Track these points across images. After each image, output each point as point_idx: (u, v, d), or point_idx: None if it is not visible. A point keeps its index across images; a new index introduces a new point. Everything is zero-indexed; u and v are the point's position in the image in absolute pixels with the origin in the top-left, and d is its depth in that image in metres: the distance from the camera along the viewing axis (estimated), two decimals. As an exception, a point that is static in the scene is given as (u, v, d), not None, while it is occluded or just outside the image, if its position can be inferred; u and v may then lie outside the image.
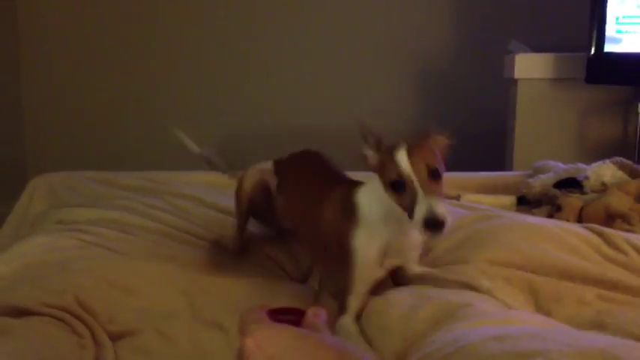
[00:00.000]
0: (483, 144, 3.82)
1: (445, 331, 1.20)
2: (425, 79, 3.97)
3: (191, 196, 2.10)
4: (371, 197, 1.39)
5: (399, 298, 1.33)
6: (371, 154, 1.36)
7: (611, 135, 3.24)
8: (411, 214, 1.19)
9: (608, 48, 2.99)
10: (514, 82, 3.30)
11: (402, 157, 1.23)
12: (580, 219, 1.92)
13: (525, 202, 2.17)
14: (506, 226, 1.68)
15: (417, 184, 1.20)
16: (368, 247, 1.36)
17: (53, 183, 2.20)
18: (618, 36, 3.00)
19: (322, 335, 0.69)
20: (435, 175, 1.24)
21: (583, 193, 2.04)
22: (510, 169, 3.21)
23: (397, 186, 1.23)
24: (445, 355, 1.01)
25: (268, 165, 1.71)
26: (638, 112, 3.08)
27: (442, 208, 1.17)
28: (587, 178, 2.07)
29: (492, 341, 0.99)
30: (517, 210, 2.11)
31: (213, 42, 4.01)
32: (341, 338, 1.23)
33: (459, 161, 3.39)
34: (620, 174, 2.04)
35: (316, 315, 0.74)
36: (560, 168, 2.21)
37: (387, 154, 1.28)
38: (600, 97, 3.24)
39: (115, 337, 1.19)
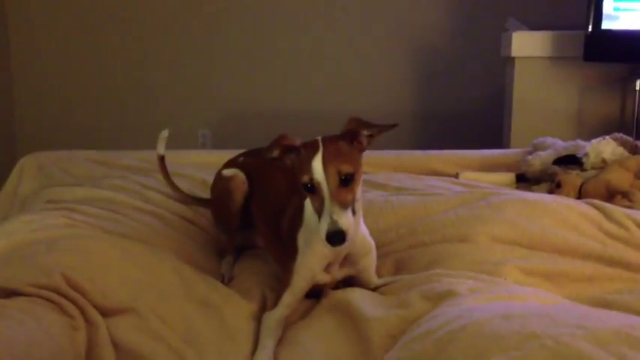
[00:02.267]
0: (480, 123, 3.80)
1: (447, 305, 1.17)
2: (421, 58, 3.94)
3: (184, 175, 2.06)
4: None
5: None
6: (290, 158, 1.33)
7: (609, 112, 3.21)
8: (320, 219, 1.23)
9: (606, 25, 2.96)
10: (511, 60, 3.26)
11: (316, 163, 1.24)
12: (580, 196, 1.90)
13: (524, 180, 2.14)
14: (505, 202, 1.65)
15: (326, 192, 1.22)
16: (310, 248, 1.37)
17: (43, 162, 2.16)
18: (616, 13, 2.97)
19: None
20: (347, 182, 1.24)
21: (583, 169, 2.02)
22: (508, 147, 3.18)
23: (309, 189, 1.25)
24: (449, 332, 0.97)
25: (238, 172, 1.69)
26: (636, 90, 3.05)
27: (345, 219, 1.20)
28: (586, 154, 2.04)
29: (500, 320, 0.95)
30: (516, 187, 2.09)
31: (211, 22, 3.97)
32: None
33: (456, 139, 3.41)
34: (621, 150, 2.01)
35: None
36: (560, 145, 2.18)
37: (304, 157, 1.28)
38: (598, 75, 3.20)
39: (108, 314, 1.16)
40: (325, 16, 3.95)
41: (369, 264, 1.45)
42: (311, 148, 1.26)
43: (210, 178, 1.83)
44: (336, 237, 1.18)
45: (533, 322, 0.93)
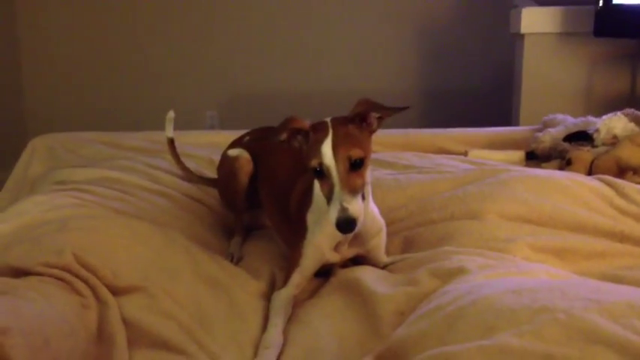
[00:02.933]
0: (489, 100, 3.77)
1: (457, 282, 1.16)
2: (428, 36, 3.91)
3: (193, 155, 2.06)
4: None
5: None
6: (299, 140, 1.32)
7: (619, 88, 3.18)
8: (329, 203, 1.21)
9: (617, 0, 2.92)
10: (520, 36, 3.23)
11: (326, 148, 1.22)
12: (591, 172, 1.88)
13: (534, 157, 2.13)
14: (514, 178, 1.64)
15: (336, 178, 1.21)
16: (319, 227, 1.36)
17: (52, 144, 2.16)
18: (627, -13, 2.93)
19: None
20: (357, 167, 1.23)
21: (593, 146, 2.00)
22: (516, 124, 3.16)
23: (318, 173, 1.24)
24: (459, 307, 0.97)
25: (242, 152, 1.69)
26: (646, 65, 3.02)
27: (355, 206, 1.19)
28: (597, 130, 2.02)
29: (510, 294, 0.95)
30: (526, 165, 2.07)
31: (218, 3, 3.94)
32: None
33: (465, 117, 3.39)
34: (632, 126, 1.99)
35: None
36: (570, 121, 2.16)
37: (313, 140, 1.26)
38: (608, 51, 3.17)
39: (119, 293, 1.16)
40: (332, 3, 3.92)
41: (378, 243, 1.44)
42: (320, 131, 1.25)
43: (217, 158, 1.83)
44: (346, 224, 1.17)
45: (544, 296, 0.92)
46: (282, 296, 1.32)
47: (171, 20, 3.98)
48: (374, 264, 1.44)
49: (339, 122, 1.26)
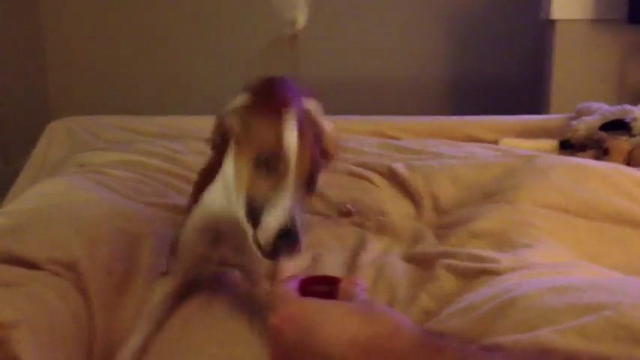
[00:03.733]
0: (519, 88, 3.70)
1: (490, 285, 1.09)
2: (457, 22, 3.83)
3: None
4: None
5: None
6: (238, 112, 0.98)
7: (655, 78, 3.10)
8: (259, 211, 0.85)
9: (652, -15, 2.84)
10: (551, 23, 3.15)
11: (291, 133, 0.87)
12: (629, 162, 1.81)
13: (568, 146, 2.05)
14: (549, 165, 1.57)
15: (292, 174, 0.86)
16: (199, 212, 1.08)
17: (72, 127, 2.13)
18: (665, -28, 2.84)
19: (348, 303, 0.66)
20: (312, 176, 0.90)
21: (631, 135, 1.92)
22: (547, 113, 3.08)
23: (265, 164, 0.87)
24: (496, 307, 0.90)
25: None
26: (682, 53, 2.93)
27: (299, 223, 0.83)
28: (635, 119, 1.94)
29: (552, 293, 0.88)
30: (560, 154, 2.00)
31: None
32: None
33: (494, 105, 3.32)
34: (672, 114, 1.91)
35: (352, 283, 0.70)
36: (606, 109, 2.08)
37: (269, 119, 0.91)
38: (643, 39, 3.08)
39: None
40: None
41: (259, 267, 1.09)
42: (279, 110, 0.91)
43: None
44: (288, 240, 0.80)
45: (589, 294, 0.85)
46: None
47: (194, 6, 3.94)
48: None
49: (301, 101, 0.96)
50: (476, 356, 0.62)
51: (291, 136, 0.87)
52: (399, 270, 1.28)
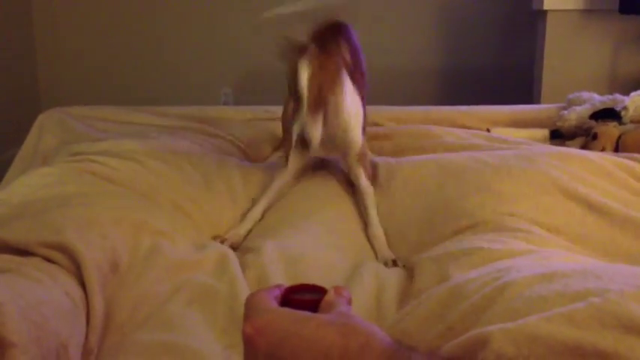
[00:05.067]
0: (510, 78, 3.70)
1: (478, 267, 1.09)
2: (450, 12, 3.82)
3: (210, 132, 2.02)
4: None
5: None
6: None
7: (646, 68, 3.10)
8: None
9: (644, -25, 2.83)
10: (543, 13, 3.14)
11: (303, 72, 1.38)
12: (617, 148, 1.81)
13: (558, 136, 2.06)
14: (535, 153, 1.57)
15: (305, 101, 1.36)
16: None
17: (62, 117, 2.11)
18: (657, -39, 2.84)
19: (323, 315, 0.66)
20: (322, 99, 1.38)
21: (621, 123, 1.93)
22: (538, 103, 3.08)
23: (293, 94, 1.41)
24: (486, 296, 0.90)
25: None
26: (674, 44, 2.93)
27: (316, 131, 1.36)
28: (625, 108, 1.95)
29: (540, 280, 0.88)
30: (551, 144, 2.01)
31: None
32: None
33: (485, 95, 3.32)
34: (662, 103, 1.92)
35: (338, 293, 0.70)
36: (596, 99, 2.09)
37: (294, 61, 1.42)
38: (634, 28, 3.08)
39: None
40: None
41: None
42: (301, 52, 1.41)
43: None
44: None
45: (576, 280, 0.86)
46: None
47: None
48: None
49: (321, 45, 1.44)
50: None
51: (302, 75, 1.38)
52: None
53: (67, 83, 4.02)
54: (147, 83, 3.99)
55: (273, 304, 0.68)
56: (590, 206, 1.38)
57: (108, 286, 1.07)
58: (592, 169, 1.50)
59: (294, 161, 1.64)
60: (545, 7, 3.10)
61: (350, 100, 1.52)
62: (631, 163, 1.52)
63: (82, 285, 1.02)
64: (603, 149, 1.81)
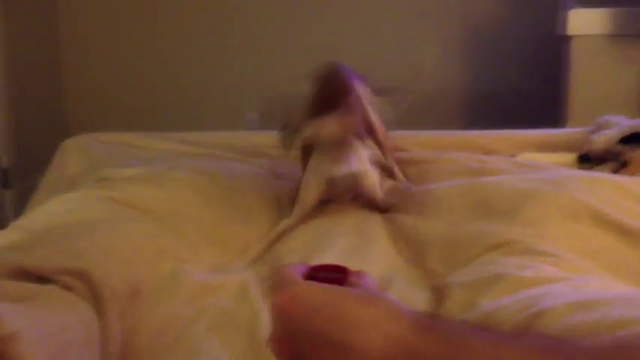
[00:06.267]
0: (536, 102, 3.67)
1: (510, 293, 1.06)
2: (474, 37, 3.82)
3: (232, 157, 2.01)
4: None
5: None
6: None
7: (672, 92, 3.06)
8: None
9: (671, 0, 2.81)
10: (567, 38, 3.12)
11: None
12: (649, 174, 1.77)
13: (587, 160, 2.02)
14: (564, 177, 1.55)
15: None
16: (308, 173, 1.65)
17: (87, 144, 2.13)
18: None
19: (352, 289, 0.69)
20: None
21: (651, 148, 1.89)
22: (564, 128, 3.05)
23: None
24: (520, 323, 0.88)
25: None
26: (701, 69, 2.89)
27: None
28: (654, 132, 1.91)
29: (578, 308, 0.85)
30: (579, 168, 1.97)
31: (260, 2, 3.91)
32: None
33: (511, 120, 3.30)
34: (692, 128, 1.88)
35: (359, 276, 0.73)
36: (625, 123, 2.05)
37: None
38: (660, 53, 3.05)
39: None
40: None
41: None
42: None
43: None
44: None
45: (615, 309, 0.83)
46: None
47: (211, 22, 3.96)
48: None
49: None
50: (471, 335, 0.62)
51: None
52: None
53: (92, 110, 4.05)
54: (171, 107, 4.02)
55: (301, 278, 0.71)
56: (623, 232, 1.34)
57: (127, 313, 1.05)
58: (623, 194, 1.47)
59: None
60: (569, 32, 3.08)
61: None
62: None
63: (100, 314, 1.01)
64: (633, 175, 1.77)
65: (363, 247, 1.45)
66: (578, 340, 0.61)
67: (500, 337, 0.62)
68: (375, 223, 1.59)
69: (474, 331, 0.64)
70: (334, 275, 0.73)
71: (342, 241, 1.46)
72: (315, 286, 0.69)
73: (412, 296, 1.22)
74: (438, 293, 1.22)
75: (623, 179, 1.54)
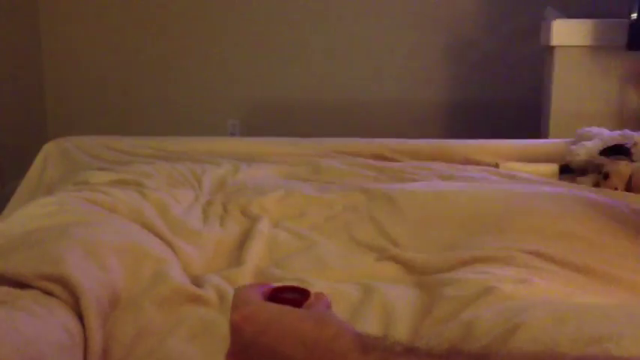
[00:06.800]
0: (518, 113, 3.70)
1: (492, 306, 1.06)
2: (458, 47, 3.84)
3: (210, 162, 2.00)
4: None
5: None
6: None
7: (654, 104, 3.09)
8: None
9: (653, 12, 2.84)
10: (551, 49, 3.15)
11: None
12: (629, 187, 1.79)
13: (568, 171, 2.04)
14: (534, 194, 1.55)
15: None
16: None
17: (67, 148, 2.11)
18: (666, 0, 2.84)
19: (304, 310, 0.74)
20: None
21: (632, 160, 1.91)
22: (547, 138, 3.07)
23: None
24: (498, 337, 0.87)
25: None
26: (681, 81, 2.92)
27: None
28: (635, 144, 1.93)
29: (553, 322, 0.85)
30: (560, 179, 1.98)
31: (242, 9, 3.91)
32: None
33: (494, 129, 3.32)
34: (672, 140, 1.90)
35: (319, 298, 0.77)
36: (606, 134, 2.07)
37: None
38: (642, 65, 3.08)
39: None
40: (358, 4, 3.86)
41: None
42: None
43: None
44: None
45: (590, 324, 0.83)
46: None
47: (193, 28, 3.95)
48: None
49: None
50: (406, 356, 0.68)
51: None
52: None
53: (74, 114, 4.03)
54: (153, 113, 4.01)
55: (260, 298, 0.75)
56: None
57: (107, 319, 1.04)
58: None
59: None
60: (553, 43, 3.10)
61: None
62: None
63: (81, 318, 0.99)
64: (616, 189, 1.78)
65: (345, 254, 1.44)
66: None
67: (432, 359, 0.67)
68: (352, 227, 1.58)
69: (409, 352, 0.69)
70: (295, 296, 0.77)
71: (321, 248, 1.45)
72: (269, 305, 0.73)
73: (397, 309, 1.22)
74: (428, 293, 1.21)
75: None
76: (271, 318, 0.71)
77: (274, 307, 0.73)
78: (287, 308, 0.73)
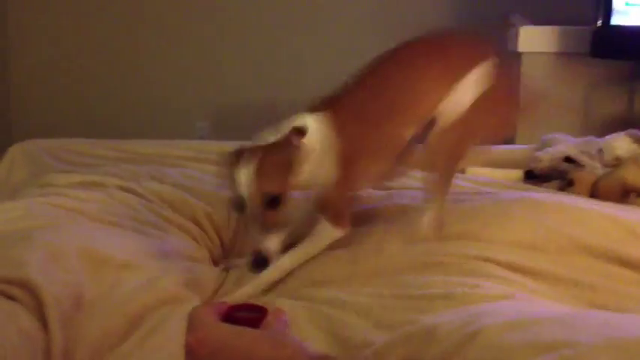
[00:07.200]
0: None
1: (450, 309, 1.07)
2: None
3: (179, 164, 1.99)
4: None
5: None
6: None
7: (617, 111, 3.14)
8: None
9: (615, 21, 2.88)
10: (517, 55, 3.19)
11: (241, 177, 1.15)
12: (593, 194, 1.82)
13: (533, 177, 2.06)
14: (511, 201, 1.57)
15: (250, 214, 1.14)
16: None
17: (33, 150, 2.09)
18: (626, 8, 2.89)
19: (260, 331, 0.73)
20: (273, 204, 1.14)
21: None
22: (512, 144, 3.10)
23: (237, 206, 1.16)
24: (456, 343, 0.88)
25: None
26: (644, 88, 2.98)
27: (271, 244, 1.13)
28: (600, 151, 1.96)
29: (510, 329, 0.87)
30: (525, 184, 2.01)
31: (210, 11, 3.90)
32: None
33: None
34: (635, 147, 1.93)
35: (277, 316, 0.76)
36: (571, 141, 2.10)
37: (231, 166, 1.17)
38: (606, 72, 3.13)
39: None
40: (327, 9, 3.87)
41: None
42: (238, 156, 1.18)
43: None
44: (258, 262, 1.13)
45: (547, 330, 0.84)
46: None
47: (160, 30, 3.93)
48: None
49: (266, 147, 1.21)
50: None
51: (242, 184, 1.14)
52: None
53: (39, 115, 3.98)
54: (121, 115, 3.98)
55: (215, 319, 0.74)
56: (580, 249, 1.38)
57: (71, 323, 1.03)
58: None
59: None
60: (520, 49, 3.14)
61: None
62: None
63: (44, 323, 0.99)
64: (579, 195, 1.81)
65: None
66: None
67: None
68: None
69: None
70: (252, 314, 0.76)
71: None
72: (224, 327, 0.73)
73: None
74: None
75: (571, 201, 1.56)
76: (226, 340, 0.71)
77: (229, 329, 0.73)
78: (242, 329, 0.73)
